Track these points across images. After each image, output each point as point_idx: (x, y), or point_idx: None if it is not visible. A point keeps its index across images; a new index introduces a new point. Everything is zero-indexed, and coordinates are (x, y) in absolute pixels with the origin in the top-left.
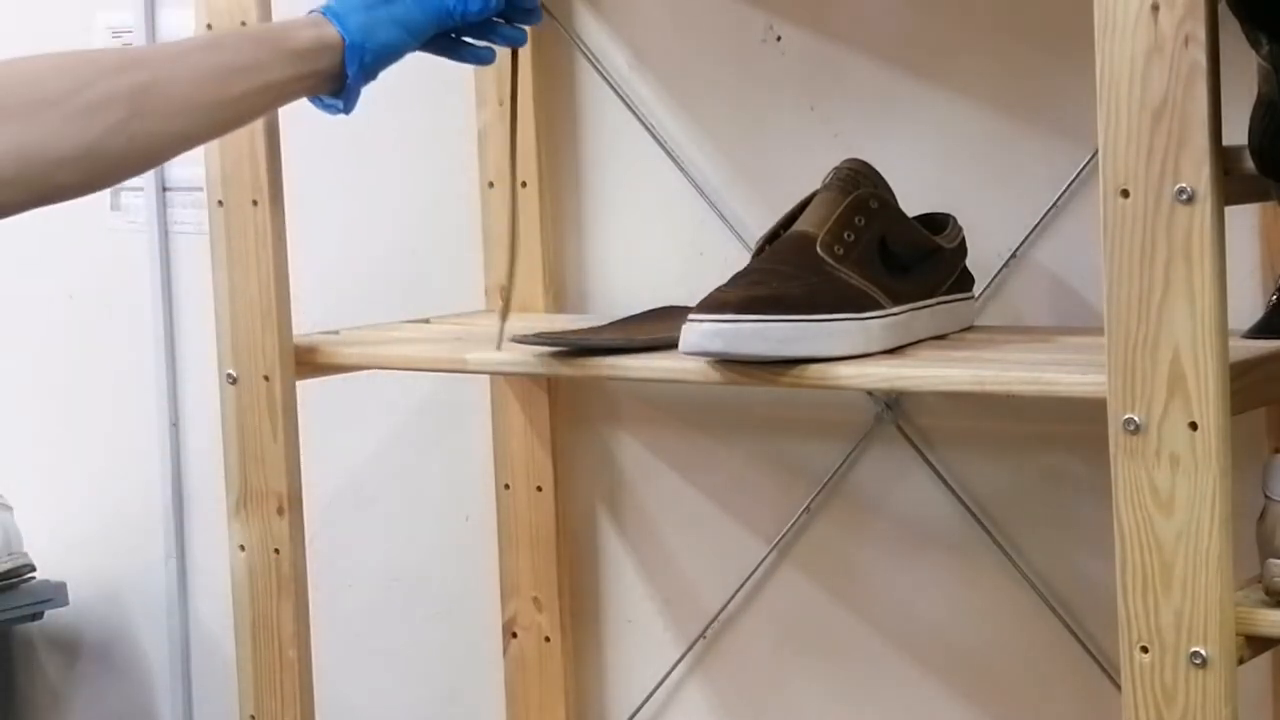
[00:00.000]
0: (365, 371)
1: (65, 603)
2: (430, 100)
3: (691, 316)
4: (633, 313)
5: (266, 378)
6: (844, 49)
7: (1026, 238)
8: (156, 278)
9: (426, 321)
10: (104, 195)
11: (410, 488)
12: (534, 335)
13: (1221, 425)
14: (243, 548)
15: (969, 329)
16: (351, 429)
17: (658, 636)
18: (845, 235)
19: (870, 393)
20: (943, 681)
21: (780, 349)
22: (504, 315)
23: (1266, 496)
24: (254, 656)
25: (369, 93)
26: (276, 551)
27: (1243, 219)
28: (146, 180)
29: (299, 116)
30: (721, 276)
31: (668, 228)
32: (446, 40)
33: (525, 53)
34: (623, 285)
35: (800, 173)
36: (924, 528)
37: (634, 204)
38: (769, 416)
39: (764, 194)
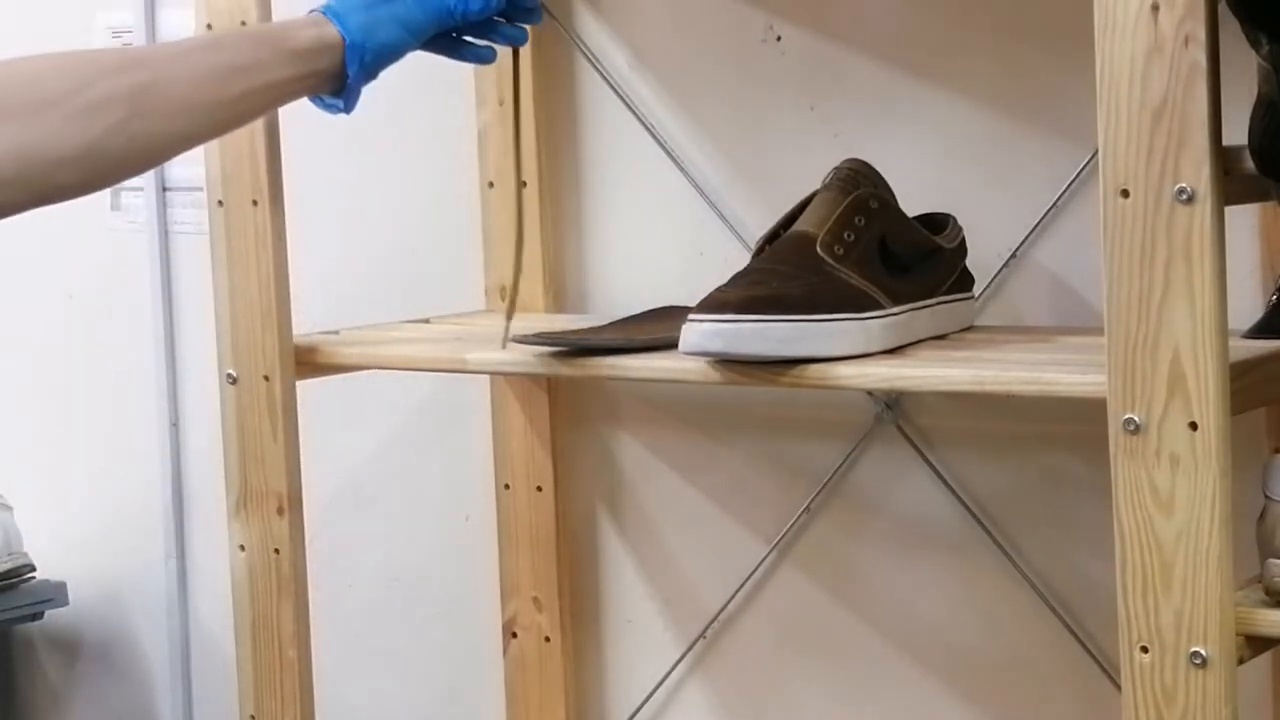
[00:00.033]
0: (365, 371)
1: (65, 603)
2: (430, 100)
3: (691, 316)
4: (633, 313)
5: (266, 378)
6: (844, 49)
7: (1026, 238)
8: (156, 278)
9: (426, 321)
10: (104, 195)
11: (410, 488)
12: (534, 335)
13: (1221, 425)
14: (243, 548)
15: (969, 329)
16: (351, 429)
17: (658, 636)
18: (845, 235)
19: (870, 393)
20: (943, 681)
21: (780, 349)
22: (509, 313)
23: (1266, 496)
24: (254, 656)
25: (369, 93)
26: (276, 551)
27: (1243, 219)
28: (146, 180)
29: (299, 116)
30: (721, 276)
31: (668, 228)
32: (447, 39)
33: (525, 52)
34: (623, 285)
35: (800, 173)
36: (924, 528)
37: (634, 204)
38: (769, 416)
39: (764, 194)
